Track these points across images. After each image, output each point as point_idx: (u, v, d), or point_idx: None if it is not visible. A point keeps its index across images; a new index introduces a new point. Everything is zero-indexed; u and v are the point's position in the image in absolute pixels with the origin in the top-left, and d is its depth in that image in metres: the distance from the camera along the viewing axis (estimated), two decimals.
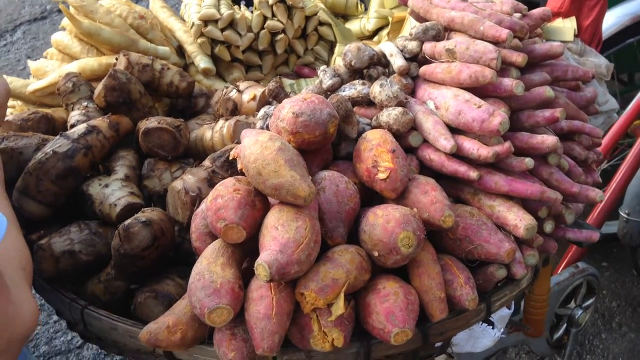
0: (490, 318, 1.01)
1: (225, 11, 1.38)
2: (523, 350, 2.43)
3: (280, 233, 0.81)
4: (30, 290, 0.81)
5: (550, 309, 1.77)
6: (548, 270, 1.45)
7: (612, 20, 2.23)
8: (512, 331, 1.75)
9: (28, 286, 0.81)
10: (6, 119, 1.15)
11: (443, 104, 0.98)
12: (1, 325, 0.72)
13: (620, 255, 2.83)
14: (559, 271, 1.94)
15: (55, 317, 2.36)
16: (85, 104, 1.15)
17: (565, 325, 1.88)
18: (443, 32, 1.07)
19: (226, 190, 0.85)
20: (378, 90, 0.99)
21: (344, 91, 1.04)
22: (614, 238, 2.59)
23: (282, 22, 1.43)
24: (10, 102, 1.35)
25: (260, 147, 0.84)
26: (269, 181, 0.82)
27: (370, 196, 0.96)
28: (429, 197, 0.91)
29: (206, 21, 1.39)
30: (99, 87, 1.14)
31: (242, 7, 1.60)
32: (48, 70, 1.31)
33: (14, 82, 1.29)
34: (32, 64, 1.36)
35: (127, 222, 0.89)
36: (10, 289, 0.74)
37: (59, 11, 4.90)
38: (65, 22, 1.35)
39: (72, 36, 1.32)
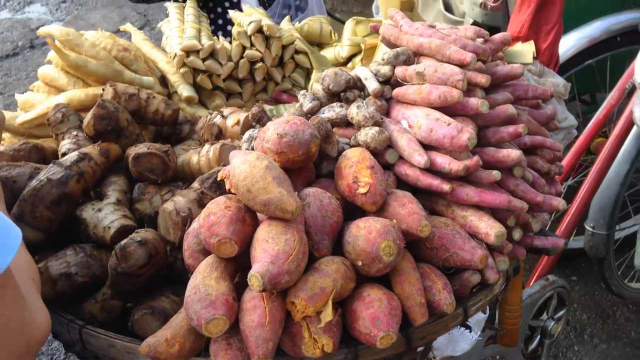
0: (468, 322, 1.07)
1: (206, 42, 1.45)
2: None
3: (270, 246, 0.86)
4: (41, 299, 0.85)
5: (524, 321, 1.84)
6: (519, 279, 1.52)
7: (571, 43, 2.35)
8: (489, 343, 1.81)
9: (39, 295, 0.85)
10: None
11: (416, 123, 1.06)
12: (20, 330, 0.76)
13: (588, 270, 2.93)
14: (530, 284, 2.02)
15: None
16: (75, 133, 1.20)
17: (539, 336, 1.95)
18: (413, 56, 1.15)
19: (218, 208, 0.91)
20: (355, 111, 1.07)
21: (323, 113, 1.11)
22: (582, 253, 2.68)
23: (260, 51, 1.51)
24: None
25: (249, 166, 0.90)
26: (258, 197, 0.88)
27: (352, 210, 1.03)
28: (407, 209, 0.98)
29: (188, 52, 1.45)
30: (88, 117, 1.19)
31: (221, 37, 1.67)
32: (35, 102, 1.35)
33: (1, 114, 1.33)
34: (19, 97, 1.40)
35: (123, 242, 0.94)
36: (25, 297, 0.78)
37: (31, 47, 4.94)
38: (51, 55, 1.40)
39: (59, 69, 1.37)
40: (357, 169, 0.99)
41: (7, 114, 1.34)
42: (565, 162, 2.28)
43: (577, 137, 2.29)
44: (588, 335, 2.66)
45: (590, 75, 2.49)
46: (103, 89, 1.28)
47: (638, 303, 2.76)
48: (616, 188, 2.27)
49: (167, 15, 2.07)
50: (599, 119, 2.19)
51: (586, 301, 2.81)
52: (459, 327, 1.05)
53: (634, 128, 2.17)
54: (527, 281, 2.22)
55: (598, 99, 2.77)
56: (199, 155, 1.18)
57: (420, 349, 1.03)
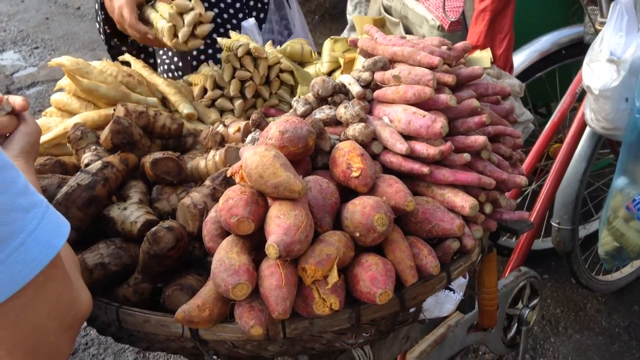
0: (451, 286, 1.23)
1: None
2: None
3: (282, 220, 1.02)
4: (83, 282, 0.97)
5: (501, 310, 2.00)
6: (494, 264, 1.68)
7: (523, 57, 2.59)
8: (471, 331, 1.97)
9: (81, 279, 0.98)
10: None
11: (395, 117, 1.24)
12: (69, 305, 0.87)
13: (558, 268, 3.12)
14: (505, 276, 2.18)
15: None
16: (94, 147, 1.34)
17: (516, 325, 2.11)
18: (388, 63, 1.33)
19: (235, 193, 1.06)
20: (343, 111, 1.24)
21: (315, 115, 1.28)
22: (552, 253, 2.88)
23: (249, 71, 1.68)
24: None
25: (259, 156, 1.06)
26: (269, 181, 1.04)
27: (346, 195, 1.19)
28: (393, 188, 1.14)
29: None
30: (105, 132, 1.34)
31: (211, 63, 1.85)
32: (51, 125, 1.49)
33: None
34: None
35: (153, 229, 1.08)
36: (71, 277, 0.91)
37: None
38: (62, 83, 1.56)
39: (71, 95, 1.52)
40: (349, 157, 1.15)
41: None
42: (525, 165, 2.49)
43: (535, 141, 2.51)
44: (562, 327, 2.83)
45: (542, 87, 2.72)
46: (114, 109, 1.43)
47: (606, 295, 2.96)
48: (576, 185, 2.48)
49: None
50: (554, 122, 2.40)
51: (558, 296, 3.00)
52: (444, 290, 1.21)
53: (587, 129, 2.39)
54: (502, 274, 2.39)
55: (552, 109, 3.02)
56: (206, 160, 1.34)
57: (412, 310, 1.19)
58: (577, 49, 2.54)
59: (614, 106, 2.02)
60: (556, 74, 2.66)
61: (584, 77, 2.09)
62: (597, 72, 2.01)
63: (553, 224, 2.59)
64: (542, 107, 3.28)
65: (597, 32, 2.20)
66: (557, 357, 2.68)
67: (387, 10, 2.76)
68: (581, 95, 2.38)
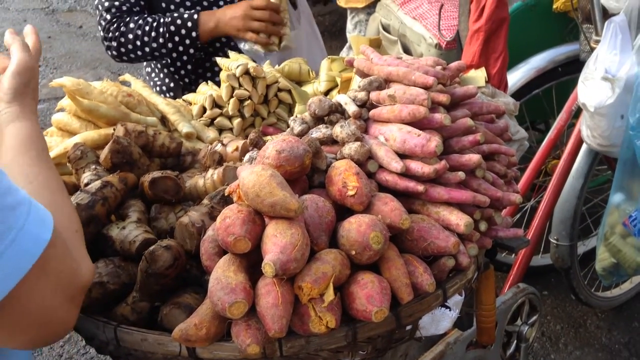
0: (447, 303, 1.24)
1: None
2: None
3: (279, 239, 1.03)
4: (84, 249, 0.99)
5: (500, 327, 2.01)
6: (491, 282, 1.69)
7: (519, 75, 2.61)
8: (470, 348, 1.97)
9: (83, 246, 1.00)
10: None
11: (391, 136, 1.25)
12: (70, 279, 0.91)
13: (558, 284, 3.12)
14: (504, 292, 2.19)
15: None
16: (93, 166, 1.36)
17: (515, 341, 2.11)
18: (384, 83, 1.35)
19: (232, 212, 1.08)
20: (339, 130, 1.26)
21: (311, 134, 1.30)
22: (551, 269, 2.88)
23: (248, 91, 1.70)
24: None
25: (256, 176, 1.08)
26: (266, 200, 1.05)
27: (342, 213, 1.20)
28: (389, 206, 1.16)
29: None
30: (105, 151, 1.36)
31: (210, 82, 1.87)
32: (52, 145, 1.51)
33: None
34: None
35: (151, 247, 1.09)
36: (71, 250, 0.93)
37: None
38: (63, 103, 1.58)
39: (71, 115, 1.54)
40: (345, 175, 1.17)
41: None
42: (523, 181, 2.50)
43: (532, 157, 2.53)
44: (562, 343, 2.83)
45: (539, 104, 2.74)
46: (114, 129, 1.45)
47: (606, 311, 2.96)
48: (574, 201, 2.49)
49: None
50: (551, 139, 2.42)
51: (558, 312, 3.00)
52: (440, 307, 1.22)
53: (584, 145, 2.40)
54: (501, 291, 2.40)
55: (551, 125, 3.04)
56: (204, 179, 1.35)
57: (408, 327, 1.20)
58: (573, 67, 2.56)
59: (610, 123, 2.04)
60: (553, 91, 2.68)
61: (579, 95, 2.11)
62: (592, 90, 2.03)
63: (551, 240, 2.59)
64: (540, 123, 3.30)
65: (592, 49, 2.23)
66: None
67: (386, 28, 2.79)
68: (578, 112, 2.40)
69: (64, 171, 1.48)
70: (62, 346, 2.88)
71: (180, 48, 2.14)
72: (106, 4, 2.12)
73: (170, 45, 2.12)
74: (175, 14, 2.12)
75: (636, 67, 1.93)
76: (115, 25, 2.11)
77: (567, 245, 2.56)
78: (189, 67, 2.23)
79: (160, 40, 2.10)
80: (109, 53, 2.21)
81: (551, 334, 2.88)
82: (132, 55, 2.18)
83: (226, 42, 2.22)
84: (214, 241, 1.13)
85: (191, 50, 2.15)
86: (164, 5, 2.16)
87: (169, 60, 2.25)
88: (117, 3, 2.12)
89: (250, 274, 1.09)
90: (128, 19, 2.11)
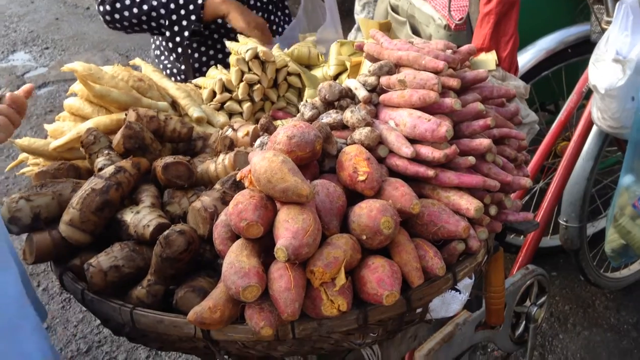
0: (457, 287, 1.26)
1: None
2: (492, 357, 2.67)
3: (291, 224, 1.04)
4: None
5: (509, 308, 2.02)
6: (500, 264, 1.70)
7: (529, 56, 2.59)
8: (479, 329, 1.99)
9: None
10: (40, 169, 1.37)
11: (401, 122, 1.26)
12: None
13: (566, 264, 3.13)
14: (512, 274, 2.20)
15: None
16: (106, 152, 1.38)
17: (524, 322, 2.13)
18: (394, 67, 1.36)
19: (244, 198, 1.09)
20: (349, 115, 1.27)
21: (322, 119, 1.31)
22: (560, 250, 2.89)
23: (257, 75, 1.71)
24: (34, 160, 1.57)
25: (268, 161, 1.09)
26: (278, 186, 1.06)
27: (353, 198, 1.21)
28: (399, 191, 1.17)
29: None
30: (117, 137, 1.37)
31: (219, 66, 1.88)
32: (65, 130, 1.53)
33: (36, 142, 1.51)
34: (48, 127, 1.58)
35: (166, 232, 1.11)
36: None
37: None
38: (75, 88, 1.59)
39: (83, 100, 1.55)
40: (355, 161, 1.18)
41: (41, 142, 1.52)
42: (532, 163, 2.50)
43: (542, 139, 2.52)
44: (571, 324, 2.85)
45: (548, 85, 2.73)
46: (126, 114, 1.46)
47: (614, 291, 2.97)
48: (583, 183, 2.49)
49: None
50: (561, 120, 2.41)
51: (567, 293, 3.01)
52: (450, 290, 1.24)
53: (594, 127, 2.39)
54: (510, 272, 2.41)
55: (561, 106, 3.03)
56: (215, 164, 1.37)
57: (418, 310, 1.22)
58: (583, 48, 2.54)
59: (620, 105, 2.03)
60: (562, 72, 2.66)
61: (590, 77, 2.10)
62: (603, 72, 2.01)
63: (560, 221, 2.59)
64: (550, 104, 3.28)
65: (603, 31, 2.21)
66: (566, 353, 2.70)
67: (394, 9, 2.77)
68: (588, 94, 2.39)
69: (78, 155, 1.50)
70: (75, 326, 2.93)
71: (182, 11, 2.06)
72: None
73: (172, 5, 2.05)
74: None
75: None
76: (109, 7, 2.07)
77: (576, 226, 2.56)
78: (195, 45, 2.19)
79: None
80: (102, 18, 2.14)
81: (560, 314, 2.90)
82: (127, 14, 2.09)
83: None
84: (226, 226, 1.15)
85: (192, 17, 2.07)
86: None
87: (169, 37, 2.18)
88: None
89: (263, 258, 1.11)
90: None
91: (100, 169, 1.32)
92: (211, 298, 1.07)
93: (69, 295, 3.10)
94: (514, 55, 1.69)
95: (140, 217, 1.21)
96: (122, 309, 1.14)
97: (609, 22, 2.13)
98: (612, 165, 3.00)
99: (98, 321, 2.89)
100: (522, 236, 2.71)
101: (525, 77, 2.50)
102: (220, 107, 1.73)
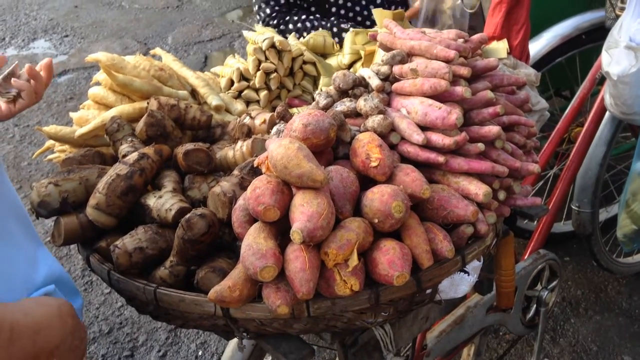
0: (466, 269, 1.30)
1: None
2: (504, 340, 2.72)
3: (306, 208, 1.09)
4: None
5: (520, 291, 2.06)
6: (510, 247, 1.73)
7: (543, 42, 2.60)
8: (490, 312, 2.03)
9: None
10: (67, 156, 1.43)
11: (413, 109, 1.30)
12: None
13: (579, 250, 3.15)
14: (524, 258, 2.23)
15: None
16: (130, 139, 1.44)
17: (535, 306, 2.17)
18: (406, 57, 1.40)
19: (261, 183, 1.14)
20: (363, 103, 1.31)
21: (336, 107, 1.35)
22: (573, 235, 2.91)
23: (274, 64, 1.76)
24: (61, 147, 1.64)
25: (284, 148, 1.14)
26: (294, 172, 1.11)
27: (365, 183, 1.26)
28: (410, 177, 1.21)
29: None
30: (140, 124, 1.43)
31: (237, 55, 1.93)
32: (89, 118, 1.59)
33: (62, 129, 1.58)
34: (73, 115, 1.65)
35: (187, 215, 1.17)
36: None
37: None
38: (99, 77, 1.65)
39: (107, 89, 1.62)
40: (368, 148, 1.22)
41: (67, 129, 1.58)
42: (545, 149, 2.52)
43: (555, 125, 2.54)
44: (583, 308, 2.88)
45: (562, 72, 2.73)
46: (148, 103, 1.52)
47: (627, 276, 2.99)
48: (596, 169, 2.51)
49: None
50: (574, 107, 2.43)
51: (579, 278, 3.04)
52: (458, 272, 1.28)
53: (607, 113, 2.41)
54: (522, 257, 2.44)
55: (576, 92, 3.04)
56: (234, 151, 1.42)
57: (428, 291, 1.27)
58: (597, 34, 2.55)
59: (633, 91, 2.05)
60: (577, 59, 2.67)
61: (603, 63, 2.11)
62: (615, 58, 2.03)
63: (573, 207, 2.62)
64: (565, 90, 3.29)
65: (617, 17, 2.22)
66: (577, 337, 2.73)
67: None
68: (601, 80, 2.40)
69: (102, 142, 1.56)
70: (97, 308, 3.02)
71: None
72: None
73: None
74: (335, 21, 2.14)
75: None
76: (275, 21, 2.17)
77: (589, 212, 2.59)
78: None
79: None
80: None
81: (572, 299, 2.93)
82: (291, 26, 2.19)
83: None
84: (244, 210, 1.20)
85: None
86: None
87: None
88: None
89: (280, 241, 1.16)
90: (287, 17, 2.17)
91: (125, 156, 1.38)
92: (230, 278, 1.12)
93: (91, 278, 3.20)
94: (525, 44, 1.72)
95: (163, 202, 1.27)
96: (146, 288, 1.20)
97: (623, 8, 2.14)
98: (627, 151, 3.01)
99: (119, 303, 2.99)
100: (534, 221, 2.74)
101: (540, 63, 2.51)
102: (238, 96, 1.79)
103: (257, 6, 2.21)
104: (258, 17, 2.24)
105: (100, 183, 1.28)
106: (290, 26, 2.15)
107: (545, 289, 2.16)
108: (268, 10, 2.18)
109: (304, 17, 2.18)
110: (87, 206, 1.29)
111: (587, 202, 2.57)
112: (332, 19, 2.19)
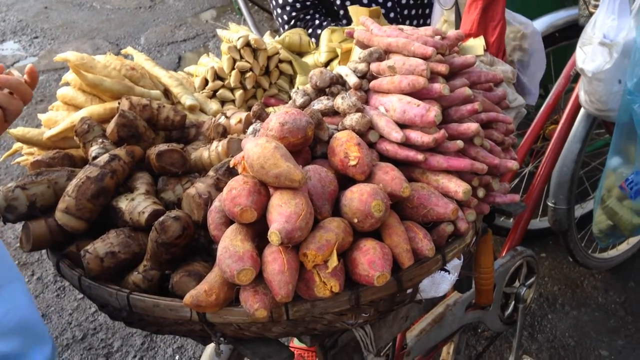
0: (446, 267, 1.29)
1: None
2: (483, 337, 2.72)
3: (284, 209, 1.07)
4: None
5: (498, 288, 2.06)
6: (489, 245, 1.74)
7: None
8: (469, 310, 2.03)
9: None
10: (35, 159, 1.38)
11: (391, 107, 1.28)
12: None
13: (556, 247, 3.18)
14: (502, 255, 2.24)
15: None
16: (100, 140, 1.39)
17: (513, 303, 2.17)
18: (384, 54, 1.38)
19: (238, 184, 1.11)
20: (340, 101, 1.29)
21: (313, 106, 1.33)
22: (549, 232, 2.94)
23: (249, 62, 1.72)
24: (28, 150, 1.59)
25: (261, 148, 1.11)
26: (271, 172, 1.09)
27: (344, 183, 1.24)
28: (390, 175, 1.19)
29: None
30: (111, 125, 1.39)
31: (211, 55, 1.89)
32: (58, 119, 1.54)
33: (30, 131, 1.52)
34: (42, 117, 1.59)
35: (161, 218, 1.13)
36: None
37: None
38: (68, 77, 1.60)
39: (76, 89, 1.57)
40: (346, 146, 1.20)
41: (35, 131, 1.53)
42: (521, 146, 2.53)
43: (531, 122, 2.55)
44: (560, 304, 2.90)
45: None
46: (119, 103, 1.48)
47: (602, 272, 3.02)
48: (571, 165, 2.53)
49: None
50: (549, 104, 2.44)
51: (556, 274, 3.06)
52: (439, 271, 1.27)
53: (582, 110, 2.43)
54: (499, 254, 2.45)
55: (550, 90, 3.06)
56: (209, 151, 1.39)
57: (409, 291, 1.25)
58: (571, 32, 2.57)
59: (607, 88, 2.06)
60: (551, 56, 2.69)
61: (577, 60, 2.12)
62: (590, 55, 2.04)
63: (549, 203, 2.64)
64: (540, 88, 3.30)
65: (591, 14, 2.23)
66: (555, 333, 2.75)
67: None
68: (576, 77, 2.42)
69: (71, 144, 1.51)
70: (70, 314, 2.96)
71: None
72: (280, 1, 2.16)
73: None
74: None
75: (634, 31, 1.94)
76: (291, 25, 2.14)
77: (565, 208, 2.61)
78: None
79: None
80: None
81: (549, 294, 2.95)
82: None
83: None
84: (220, 211, 1.17)
85: None
86: (338, 2, 2.15)
87: None
88: (290, 0, 2.15)
89: (257, 242, 1.13)
90: (303, 24, 2.14)
91: (95, 157, 1.34)
92: (206, 282, 1.09)
93: (64, 284, 3.12)
94: (501, 40, 1.72)
95: (135, 204, 1.24)
96: (118, 294, 1.16)
97: (596, 6, 2.15)
98: (600, 148, 3.05)
99: (93, 309, 2.93)
100: (511, 219, 2.75)
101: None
102: (213, 95, 1.75)
103: (275, 13, 2.20)
104: (277, 23, 2.23)
105: (70, 186, 1.24)
106: (310, 31, 2.15)
107: (523, 285, 2.18)
108: (285, 17, 2.17)
109: (325, 22, 2.16)
110: (56, 210, 1.24)
111: (562, 198, 2.59)
112: (344, 22, 2.18)
